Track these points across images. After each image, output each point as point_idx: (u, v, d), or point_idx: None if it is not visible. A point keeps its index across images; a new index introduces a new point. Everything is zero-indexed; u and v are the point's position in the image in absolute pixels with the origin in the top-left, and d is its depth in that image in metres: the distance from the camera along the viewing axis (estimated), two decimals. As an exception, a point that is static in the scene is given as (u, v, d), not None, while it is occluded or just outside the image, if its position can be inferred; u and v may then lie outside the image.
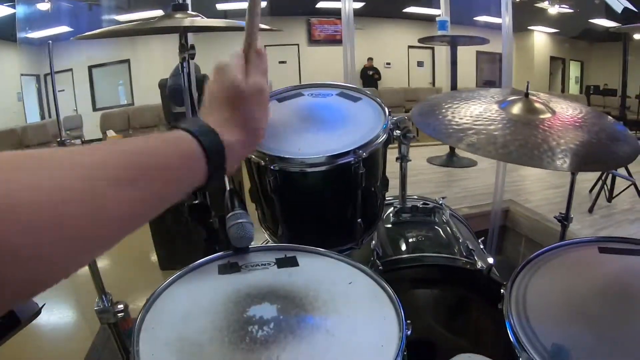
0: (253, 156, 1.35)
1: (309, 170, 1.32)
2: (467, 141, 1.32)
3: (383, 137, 1.41)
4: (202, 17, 1.58)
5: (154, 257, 4.02)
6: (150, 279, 3.85)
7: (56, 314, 3.41)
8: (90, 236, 0.52)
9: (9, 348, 1.15)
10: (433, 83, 13.47)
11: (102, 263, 1.51)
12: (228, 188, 1.27)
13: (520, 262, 1.32)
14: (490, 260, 1.58)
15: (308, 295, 1.08)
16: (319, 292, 1.09)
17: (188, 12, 1.58)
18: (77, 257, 0.52)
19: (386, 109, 1.48)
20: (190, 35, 1.83)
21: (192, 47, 1.61)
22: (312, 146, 1.32)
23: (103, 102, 11.11)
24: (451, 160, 6.12)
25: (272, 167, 1.30)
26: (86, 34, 1.62)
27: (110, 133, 9.63)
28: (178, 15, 1.53)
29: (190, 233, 2.87)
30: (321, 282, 1.13)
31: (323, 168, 1.31)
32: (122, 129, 10.13)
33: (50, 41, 1.61)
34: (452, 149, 6.17)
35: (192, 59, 1.62)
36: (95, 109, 10.95)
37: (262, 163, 1.32)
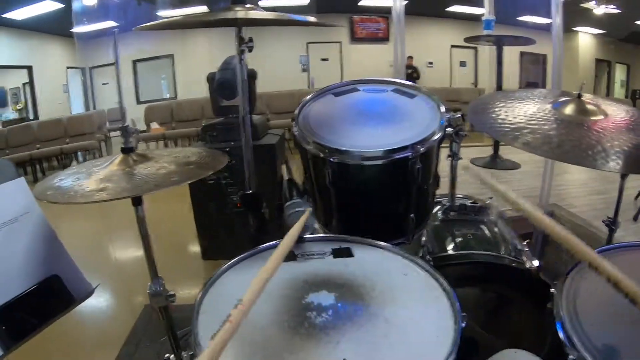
0: (311, 148, 1.37)
1: (367, 163, 1.34)
2: (523, 140, 1.32)
3: (439, 134, 1.42)
4: (261, 10, 1.60)
5: (196, 247, 4.09)
6: (192, 268, 3.92)
7: (100, 295, 3.51)
8: None
9: (55, 326, 1.20)
10: (475, 83, 13.30)
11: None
12: (286, 178, 1.30)
13: (560, 269, 1.32)
14: (536, 262, 1.57)
15: (365, 285, 1.10)
16: (375, 282, 1.12)
17: (247, 5, 1.60)
18: None
19: (442, 106, 1.49)
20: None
21: (250, 39, 1.64)
22: (369, 140, 1.34)
23: (146, 95, 11.30)
24: (494, 161, 6.03)
25: (331, 160, 1.32)
26: (146, 24, 1.66)
27: (154, 125, 9.81)
28: (238, 8, 1.56)
29: (234, 224, 2.92)
30: (377, 273, 1.16)
31: (380, 162, 1.33)
32: (166, 122, 10.27)
33: (115, 30, 1.66)
34: (495, 151, 6.10)
35: (250, 51, 1.65)
36: (138, 102, 11.14)
37: (321, 155, 1.35)
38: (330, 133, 1.34)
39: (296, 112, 1.55)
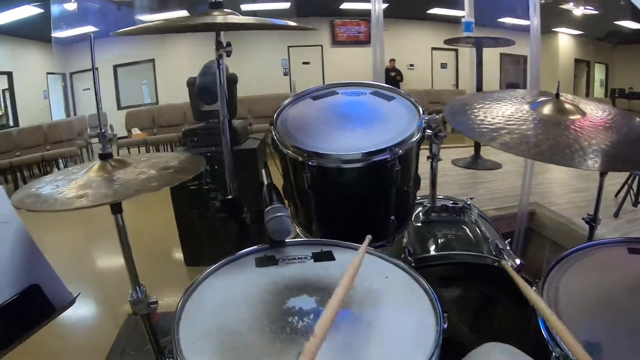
0: (290, 152, 1.37)
1: (346, 166, 1.34)
2: (501, 140, 1.33)
3: (418, 136, 1.43)
4: (238, 15, 1.59)
5: (180, 254, 4.07)
6: (175, 275, 3.90)
7: (83, 305, 3.47)
8: None
9: (38, 335, 1.18)
10: (457, 85, 13.39)
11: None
12: (266, 182, 1.30)
13: (545, 265, 1.33)
14: (518, 260, 1.58)
15: (346, 288, 1.10)
16: (357, 285, 1.11)
17: (224, 10, 1.59)
18: None
19: (420, 108, 1.50)
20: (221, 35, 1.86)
21: (229, 44, 1.64)
22: (348, 143, 1.34)
23: (127, 101, 11.22)
24: (476, 162, 6.07)
25: (309, 163, 1.32)
26: (122, 30, 1.65)
27: (135, 131, 9.74)
28: (216, 13, 1.55)
29: (216, 230, 2.91)
30: (358, 276, 1.15)
31: (359, 164, 1.34)
32: (147, 127, 10.21)
33: (92, 34, 1.64)
34: (476, 151, 6.13)
35: (229, 56, 1.64)
36: (119, 108, 11.06)
37: (300, 159, 1.34)
38: (308, 137, 1.35)
39: (274, 116, 1.54)
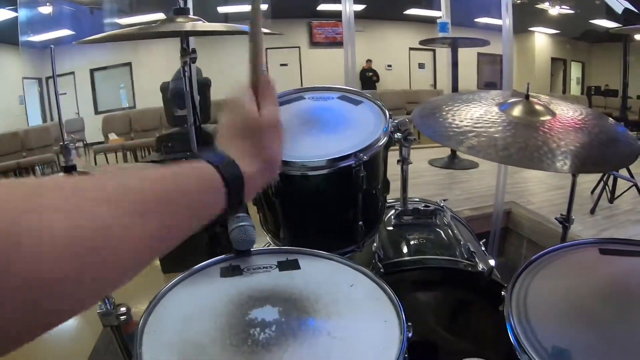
0: (254, 159, 1.35)
1: (311, 173, 1.33)
2: (468, 144, 1.32)
3: (384, 140, 1.42)
4: (203, 22, 1.58)
5: (155, 261, 4.01)
6: (152, 282, 3.83)
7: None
8: (109, 264, 0.50)
9: (11, 357, 1.15)
10: (434, 85, 13.46)
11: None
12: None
13: (522, 263, 1.33)
14: (492, 262, 1.58)
15: (309, 298, 1.09)
16: (321, 294, 1.10)
17: (189, 16, 1.57)
18: (94, 287, 0.51)
19: (387, 112, 1.49)
20: (192, 39, 1.83)
21: (194, 51, 1.62)
22: (313, 149, 1.33)
23: (105, 105, 11.10)
24: (452, 162, 6.11)
25: (273, 171, 1.30)
26: (88, 38, 1.63)
27: (112, 136, 9.63)
28: (179, 20, 1.53)
29: (192, 236, 2.86)
30: (323, 285, 1.14)
31: (324, 171, 1.32)
32: (124, 132, 10.11)
33: (52, 45, 1.62)
34: (453, 151, 6.17)
35: (194, 62, 1.62)
36: (97, 112, 10.95)
37: (264, 167, 1.32)
38: (273, 143, 1.33)
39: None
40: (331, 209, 1.48)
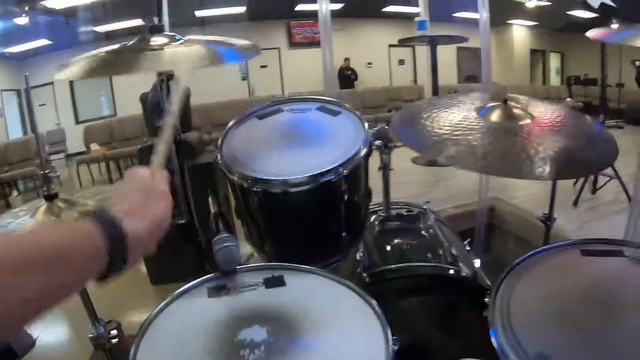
0: (235, 177, 1.35)
1: (292, 190, 1.33)
2: (447, 153, 1.32)
3: (364, 151, 1.42)
4: (180, 38, 1.55)
5: (144, 274, 3.99)
6: (142, 295, 3.82)
7: (51, 338, 3.38)
8: None
9: None
10: (415, 80, 13.49)
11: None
12: (212, 211, 1.28)
13: (509, 260, 1.33)
14: (477, 264, 1.59)
15: (297, 316, 1.09)
16: (307, 311, 1.11)
17: (165, 33, 1.55)
18: None
19: (365, 123, 1.49)
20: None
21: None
22: (294, 165, 1.33)
23: (85, 114, 11.01)
24: (435, 159, 6.11)
25: (254, 189, 1.31)
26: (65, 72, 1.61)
27: (94, 146, 9.51)
28: (154, 40, 1.50)
29: (181, 248, 2.85)
30: (309, 301, 1.15)
31: (305, 187, 1.32)
32: (106, 142, 9.99)
33: (26, 74, 1.60)
34: (436, 148, 6.17)
35: (170, 80, 1.61)
36: (77, 122, 10.85)
37: (245, 185, 1.33)
38: (253, 161, 1.33)
39: (220, 140, 1.52)
40: (314, 222, 1.48)
